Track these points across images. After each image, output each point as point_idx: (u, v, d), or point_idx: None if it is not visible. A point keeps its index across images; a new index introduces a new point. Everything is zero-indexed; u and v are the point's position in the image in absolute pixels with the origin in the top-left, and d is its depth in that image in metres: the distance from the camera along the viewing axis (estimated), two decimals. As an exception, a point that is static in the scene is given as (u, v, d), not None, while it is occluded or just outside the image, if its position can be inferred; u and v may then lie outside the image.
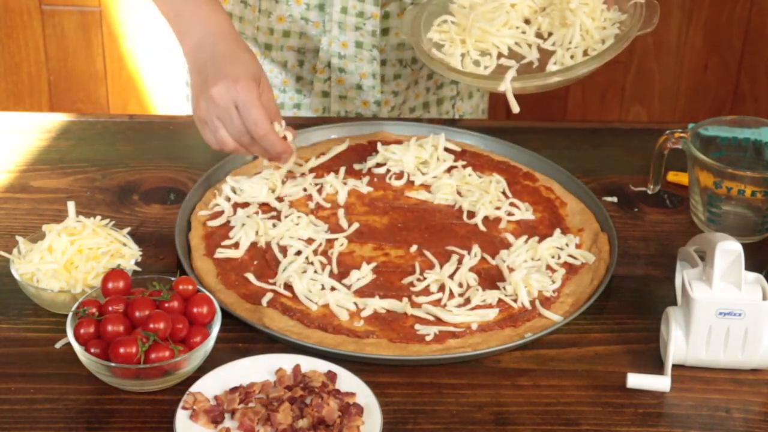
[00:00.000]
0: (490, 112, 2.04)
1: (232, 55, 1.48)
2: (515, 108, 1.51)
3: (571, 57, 1.53)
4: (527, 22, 1.61)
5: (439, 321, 1.37)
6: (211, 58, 1.47)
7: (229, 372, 1.27)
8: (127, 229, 1.44)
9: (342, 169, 1.62)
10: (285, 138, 1.50)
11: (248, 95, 1.44)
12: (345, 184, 1.59)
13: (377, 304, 1.38)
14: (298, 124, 1.73)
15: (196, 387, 1.25)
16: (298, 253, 1.46)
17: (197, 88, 1.47)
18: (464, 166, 1.63)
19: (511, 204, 1.57)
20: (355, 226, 1.52)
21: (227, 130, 1.46)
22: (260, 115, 1.44)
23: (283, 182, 1.58)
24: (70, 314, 1.29)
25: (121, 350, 1.23)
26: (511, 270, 1.45)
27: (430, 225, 1.53)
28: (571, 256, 1.48)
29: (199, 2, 1.53)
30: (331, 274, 1.44)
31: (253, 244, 1.48)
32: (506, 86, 1.49)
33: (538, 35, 1.59)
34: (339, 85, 1.80)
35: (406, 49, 1.80)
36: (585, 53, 1.54)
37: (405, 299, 1.39)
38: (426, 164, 1.63)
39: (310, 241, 1.48)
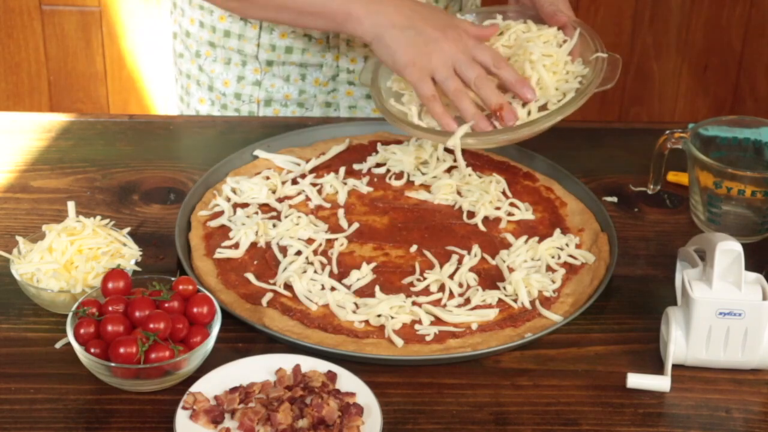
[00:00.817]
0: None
1: (431, 6, 1.52)
2: (461, 164, 1.53)
3: (528, 113, 1.52)
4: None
5: (439, 321, 1.37)
6: (408, 9, 1.49)
7: (229, 372, 1.27)
8: (127, 229, 1.44)
9: (342, 169, 1.62)
10: None
11: (476, 31, 1.50)
12: (345, 184, 1.59)
13: (377, 304, 1.38)
14: (297, 123, 1.74)
15: (196, 387, 1.25)
16: (298, 253, 1.46)
17: (409, 42, 1.47)
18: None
19: (511, 204, 1.57)
20: (355, 226, 1.52)
21: (463, 75, 1.48)
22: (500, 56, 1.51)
23: (283, 183, 1.58)
24: (70, 314, 1.29)
25: (121, 350, 1.23)
26: (511, 270, 1.45)
27: (430, 225, 1.53)
28: (571, 256, 1.48)
29: None
30: (331, 274, 1.44)
31: (253, 245, 1.48)
32: (455, 143, 1.48)
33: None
34: (348, 97, 1.80)
35: None
36: (544, 107, 1.52)
37: (406, 299, 1.39)
38: (426, 164, 1.63)
39: (310, 241, 1.48)
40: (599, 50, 1.56)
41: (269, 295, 1.39)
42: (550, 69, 1.54)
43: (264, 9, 1.60)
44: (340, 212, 1.54)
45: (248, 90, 1.81)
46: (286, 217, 1.51)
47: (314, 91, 1.81)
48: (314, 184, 1.59)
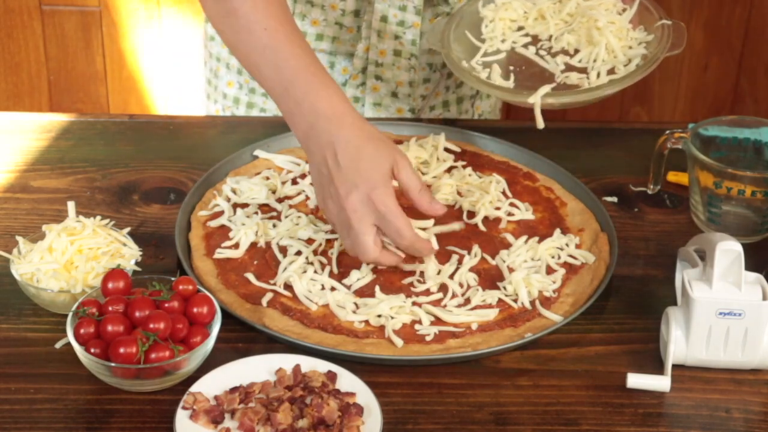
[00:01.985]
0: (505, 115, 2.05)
1: (356, 151, 1.35)
2: (540, 123, 1.53)
3: (597, 76, 1.54)
4: (551, 38, 1.64)
5: (439, 321, 1.37)
6: (332, 156, 1.35)
7: (229, 372, 1.27)
8: (127, 229, 1.44)
9: (342, 169, 1.61)
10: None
11: (386, 205, 1.34)
12: (345, 184, 1.59)
13: (377, 304, 1.38)
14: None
15: (196, 387, 1.25)
16: (298, 253, 1.46)
17: (323, 188, 1.37)
18: (464, 166, 1.63)
19: (511, 204, 1.57)
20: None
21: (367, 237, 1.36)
22: (402, 225, 1.35)
23: (283, 183, 1.58)
24: (70, 314, 1.29)
25: (121, 350, 1.23)
26: (511, 270, 1.45)
27: (430, 225, 1.53)
28: (571, 256, 1.48)
29: (307, 75, 1.39)
30: (331, 274, 1.44)
31: (253, 245, 1.48)
32: (536, 100, 1.51)
33: (564, 52, 1.60)
34: (374, 92, 1.80)
35: (436, 54, 1.79)
36: (611, 71, 1.55)
37: (406, 299, 1.39)
38: (426, 164, 1.63)
39: (310, 241, 1.48)
40: (662, 18, 1.60)
41: (269, 295, 1.39)
42: (616, 35, 1.58)
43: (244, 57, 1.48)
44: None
45: None
46: (286, 217, 1.51)
47: (342, 79, 1.81)
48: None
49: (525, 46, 1.63)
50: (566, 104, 1.55)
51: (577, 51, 1.60)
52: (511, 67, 1.60)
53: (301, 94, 1.39)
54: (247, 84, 1.83)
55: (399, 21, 1.73)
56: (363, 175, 1.35)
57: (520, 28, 1.65)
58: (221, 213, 1.53)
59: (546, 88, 1.52)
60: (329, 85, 1.40)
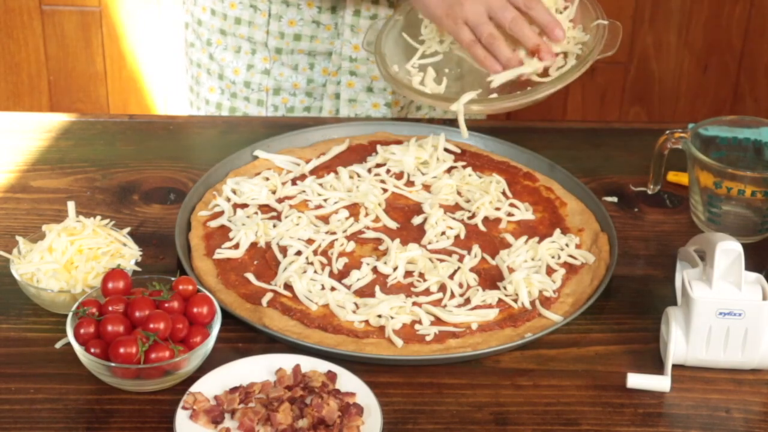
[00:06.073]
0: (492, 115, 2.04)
1: None
2: (464, 133, 1.55)
3: (528, 80, 1.54)
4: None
5: (439, 321, 1.37)
6: None
7: (229, 372, 1.27)
8: (127, 229, 1.44)
9: (342, 169, 1.62)
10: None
11: None
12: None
13: (377, 304, 1.38)
14: (298, 123, 1.74)
15: (196, 387, 1.25)
16: (298, 253, 1.46)
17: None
18: (464, 167, 1.63)
19: (511, 204, 1.57)
20: (356, 226, 1.52)
21: (498, 18, 1.51)
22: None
23: (283, 184, 1.58)
24: (70, 314, 1.29)
25: (121, 350, 1.23)
26: (511, 270, 1.45)
27: (430, 225, 1.53)
28: (571, 256, 1.48)
29: None
30: (331, 274, 1.44)
31: (253, 245, 1.48)
32: (459, 107, 1.51)
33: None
34: (349, 89, 1.80)
35: None
36: (545, 73, 1.54)
37: (406, 299, 1.39)
38: (426, 164, 1.63)
39: (310, 241, 1.48)
40: (600, 17, 1.57)
41: (269, 295, 1.39)
42: None
43: None
44: (341, 213, 1.54)
45: (257, 78, 1.81)
46: (286, 217, 1.51)
47: (322, 80, 1.81)
48: (315, 187, 1.59)
49: None
50: (497, 110, 1.54)
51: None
52: (447, 70, 1.59)
53: None
54: (229, 89, 1.83)
55: (372, 14, 1.73)
56: None
57: None
58: (221, 213, 1.53)
59: (470, 95, 1.51)
60: None
